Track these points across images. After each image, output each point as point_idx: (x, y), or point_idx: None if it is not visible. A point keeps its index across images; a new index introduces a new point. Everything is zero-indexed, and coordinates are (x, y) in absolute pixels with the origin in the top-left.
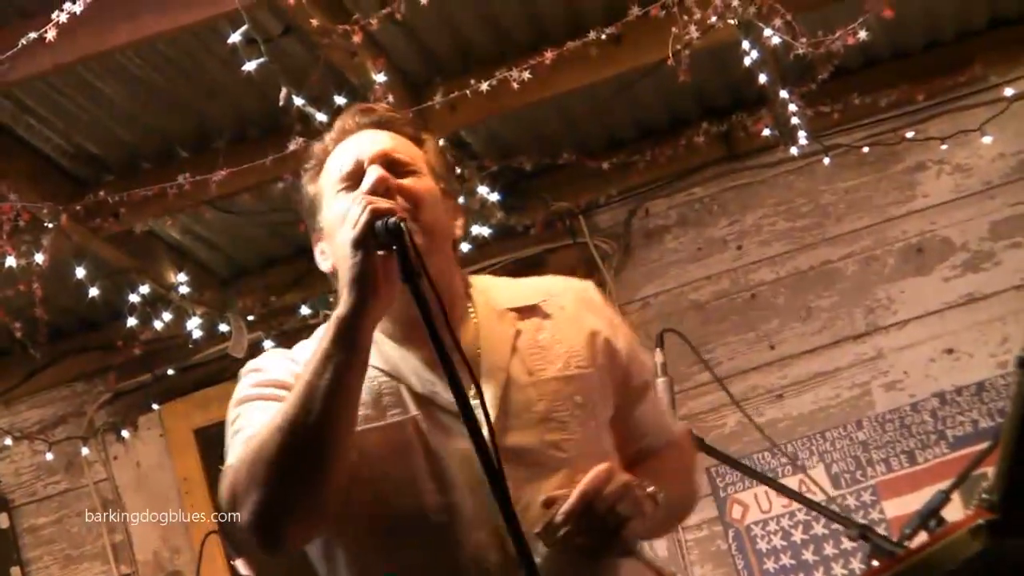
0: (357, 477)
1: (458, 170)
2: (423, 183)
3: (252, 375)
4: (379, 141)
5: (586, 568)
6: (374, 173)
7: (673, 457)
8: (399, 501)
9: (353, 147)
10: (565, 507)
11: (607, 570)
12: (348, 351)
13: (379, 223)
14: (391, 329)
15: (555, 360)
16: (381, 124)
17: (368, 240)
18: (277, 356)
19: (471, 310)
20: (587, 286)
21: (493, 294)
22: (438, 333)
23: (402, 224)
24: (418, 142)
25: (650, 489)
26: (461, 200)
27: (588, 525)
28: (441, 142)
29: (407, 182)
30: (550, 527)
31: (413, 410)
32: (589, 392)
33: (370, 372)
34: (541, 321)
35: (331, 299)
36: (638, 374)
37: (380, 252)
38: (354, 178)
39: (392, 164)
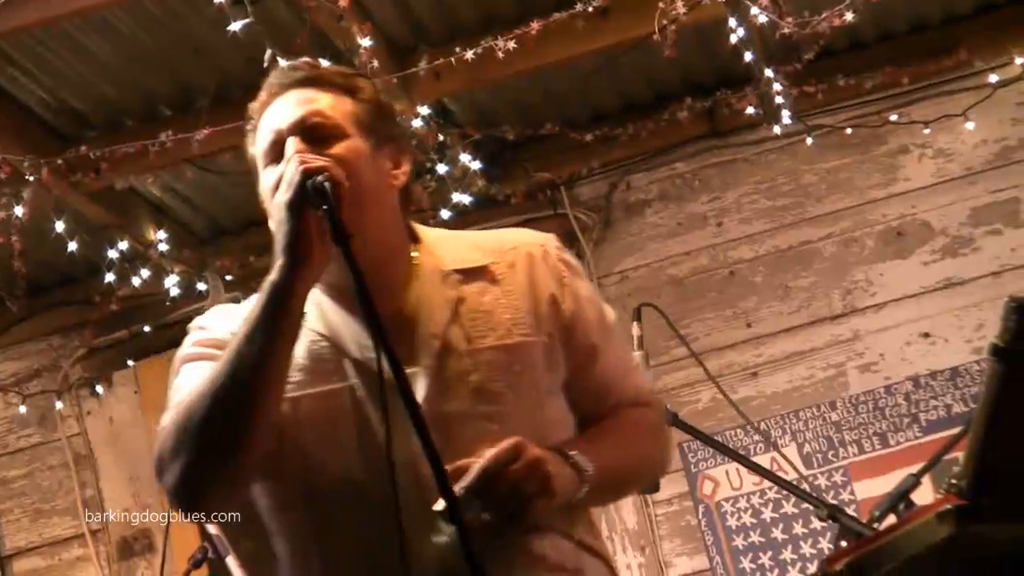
0: (290, 443)
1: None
2: (345, 146)
3: (196, 333)
4: (297, 108)
5: (494, 543)
6: (291, 148)
7: (636, 417)
8: (329, 471)
9: (273, 118)
10: (463, 482)
11: (517, 545)
12: (279, 318)
13: (310, 182)
14: (334, 293)
15: (497, 327)
16: (306, 82)
17: (300, 202)
18: (222, 313)
19: (418, 267)
20: (545, 240)
21: (440, 252)
22: (367, 297)
23: (326, 184)
24: (349, 92)
25: (577, 459)
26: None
27: (489, 502)
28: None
29: (329, 151)
30: (460, 498)
31: (352, 378)
32: (531, 361)
33: (311, 336)
34: (487, 285)
35: None
36: (583, 334)
37: (314, 212)
38: (275, 151)
39: (311, 130)
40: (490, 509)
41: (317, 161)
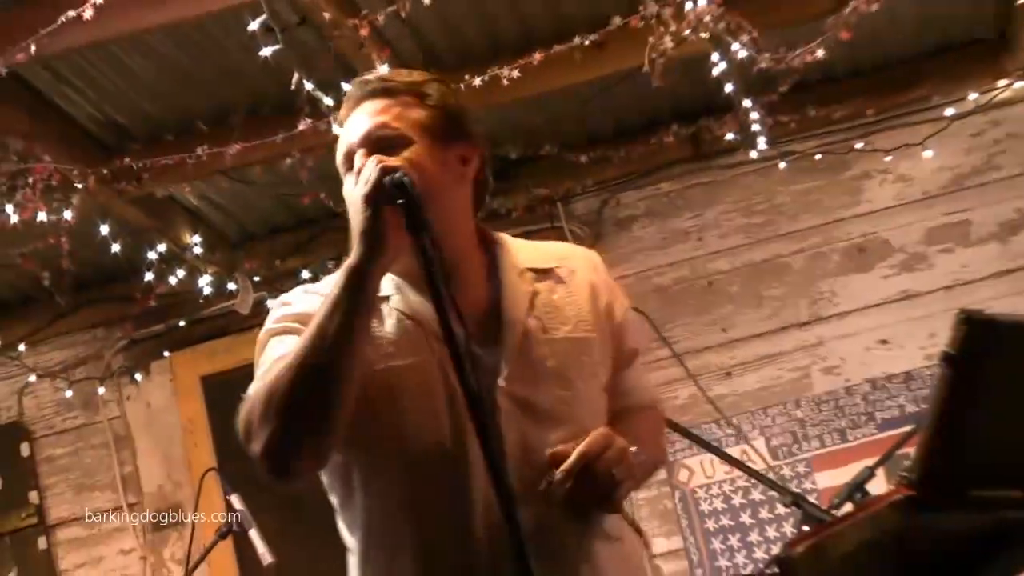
0: (386, 412)
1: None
2: (409, 151)
3: (280, 309)
4: (366, 119)
5: (576, 520)
6: (359, 160)
7: (648, 420)
8: (419, 435)
9: (348, 131)
10: (565, 465)
11: (593, 523)
12: (356, 298)
13: (387, 179)
14: (415, 280)
15: (566, 322)
16: (377, 93)
17: (377, 195)
18: (302, 291)
19: (500, 262)
20: (593, 254)
21: (515, 253)
22: (437, 284)
23: (405, 179)
24: (417, 97)
25: (634, 451)
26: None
27: (585, 484)
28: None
29: (391, 162)
30: (552, 483)
31: (438, 351)
32: (593, 354)
33: (397, 315)
34: (555, 284)
35: (330, 265)
36: (631, 339)
37: (389, 206)
38: (349, 161)
39: (376, 142)
40: (584, 490)
41: (394, 161)
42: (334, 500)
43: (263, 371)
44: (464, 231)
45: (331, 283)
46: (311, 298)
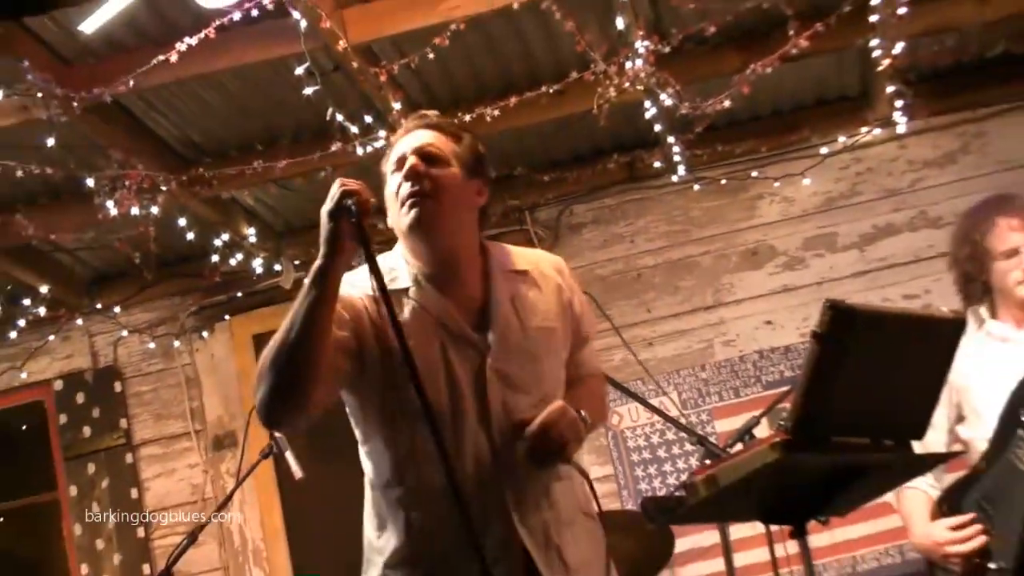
0: (395, 376)
1: (489, 170)
2: (447, 171)
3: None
4: (421, 138)
5: (537, 467)
6: (410, 162)
7: (594, 384)
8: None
9: (404, 144)
10: (529, 431)
11: (549, 469)
12: (319, 289)
13: (347, 200)
14: (429, 278)
15: (538, 314)
16: (429, 126)
17: (338, 212)
18: (354, 276)
19: (491, 268)
20: (560, 260)
21: (501, 258)
22: (378, 273)
23: (351, 203)
24: (457, 139)
25: (584, 415)
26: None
27: (545, 444)
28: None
29: (434, 171)
30: (521, 444)
31: (444, 338)
32: (556, 340)
33: (412, 305)
34: (531, 284)
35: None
36: (586, 328)
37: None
38: (400, 164)
39: (426, 156)
40: (544, 448)
41: (353, 185)
42: (358, 435)
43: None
44: (471, 243)
45: (361, 273)
46: (352, 288)
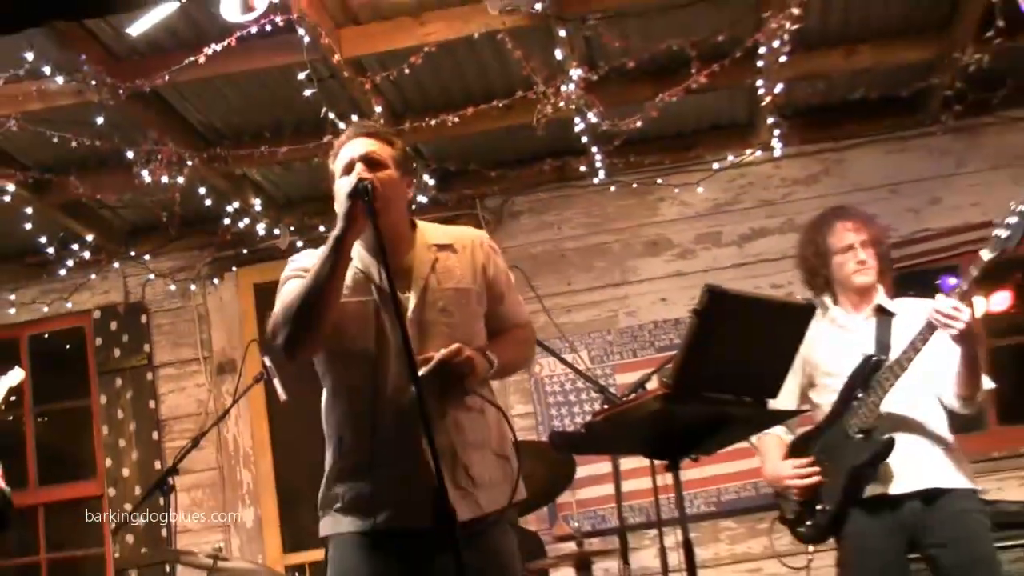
0: (337, 327)
1: (414, 165)
2: (387, 173)
3: (291, 264)
4: (365, 145)
5: (441, 396)
6: (359, 167)
7: (517, 334)
8: (360, 342)
9: (350, 149)
10: (430, 365)
11: (457, 397)
12: (337, 254)
13: (360, 185)
14: (368, 248)
15: (454, 277)
16: (369, 133)
17: (356, 193)
18: (307, 254)
19: (414, 239)
20: (483, 234)
21: (428, 234)
22: (382, 247)
23: (370, 186)
24: (391, 144)
25: (490, 355)
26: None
27: (444, 375)
28: (409, 148)
29: (378, 174)
30: (424, 373)
31: (374, 295)
32: (469, 297)
33: (353, 270)
34: (451, 254)
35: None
36: (498, 286)
37: (359, 201)
38: (348, 168)
39: (370, 161)
40: (443, 380)
41: (368, 174)
42: (320, 374)
43: (281, 299)
44: (403, 221)
45: (321, 251)
46: (310, 258)
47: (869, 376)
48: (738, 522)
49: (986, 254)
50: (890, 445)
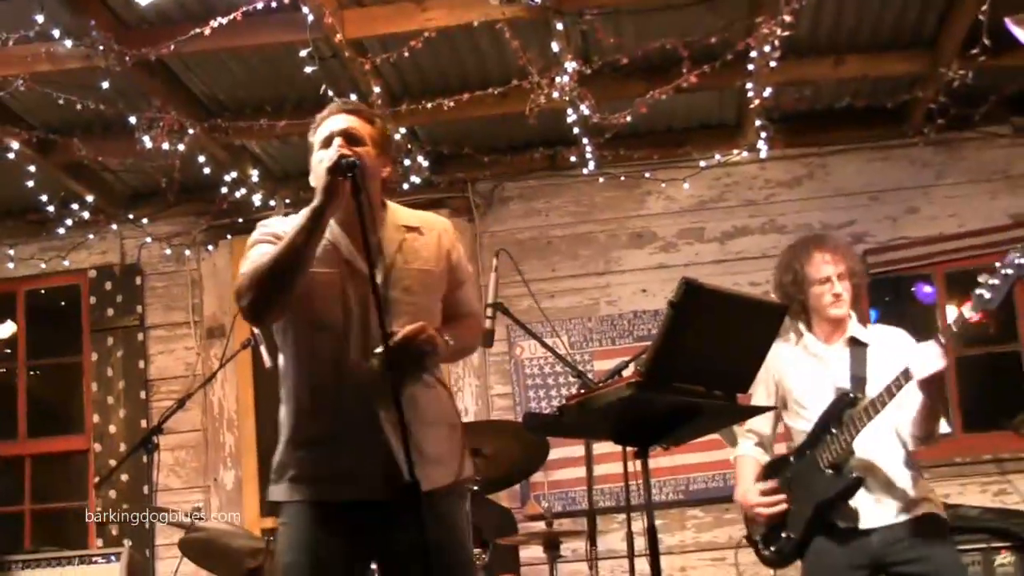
0: (305, 296)
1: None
2: (364, 150)
3: (262, 228)
4: (345, 121)
5: (403, 371)
6: (337, 142)
7: (469, 322)
8: (324, 312)
9: (330, 124)
10: (394, 340)
11: (415, 376)
12: (314, 224)
13: (344, 160)
14: (340, 221)
15: (419, 259)
16: (350, 110)
17: (336, 168)
18: (278, 220)
19: (385, 219)
20: (447, 222)
21: (398, 215)
22: (365, 223)
23: (356, 161)
24: (371, 122)
25: (447, 338)
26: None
27: (406, 352)
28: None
29: (356, 149)
30: (387, 349)
31: (342, 267)
32: (433, 279)
33: (324, 243)
34: (418, 236)
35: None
36: (460, 273)
37: (339, 176)
38: (327, 143)
39: (349, 135)
40: (405, 356)
41: (347, 149)
42: (278, 340)
43: (250, 263)
44: (374, 202)
45: (292, 220)
46: (282, 224)
47: (842, 412)
48: (705, 511)
49: (968, 311)
50: (858, 484)
